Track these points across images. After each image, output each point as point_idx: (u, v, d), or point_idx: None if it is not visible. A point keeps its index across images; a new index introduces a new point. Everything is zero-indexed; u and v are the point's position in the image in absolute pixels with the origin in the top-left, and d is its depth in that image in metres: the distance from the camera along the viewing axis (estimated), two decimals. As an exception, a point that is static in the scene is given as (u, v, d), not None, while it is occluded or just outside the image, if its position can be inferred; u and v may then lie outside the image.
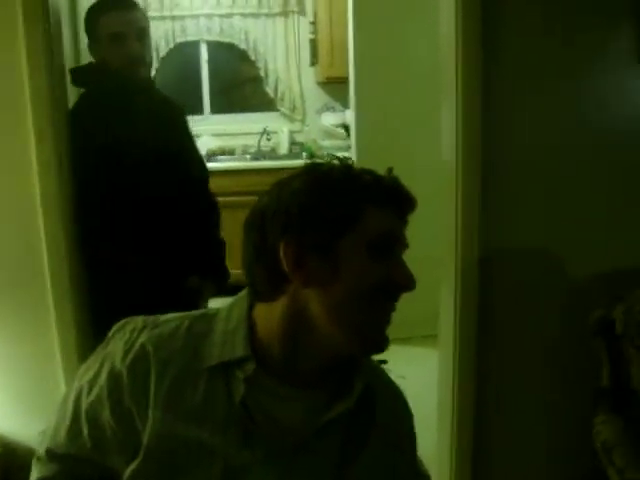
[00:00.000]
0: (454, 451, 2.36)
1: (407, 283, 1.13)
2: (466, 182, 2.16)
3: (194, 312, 1.28)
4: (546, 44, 2.14)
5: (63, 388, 2.13)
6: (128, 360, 1.18)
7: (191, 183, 2.46)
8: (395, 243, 1.16)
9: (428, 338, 3.83)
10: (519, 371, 2.32)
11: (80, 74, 2.37)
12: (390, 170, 1.20)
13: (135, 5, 2.31)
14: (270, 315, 1.17)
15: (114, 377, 1.19)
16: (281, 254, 1.12)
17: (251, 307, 1.21)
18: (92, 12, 2.28)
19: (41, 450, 1.32)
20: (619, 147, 2.21)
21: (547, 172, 2.20)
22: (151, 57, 2.42)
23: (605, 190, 2.24)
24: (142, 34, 2.29)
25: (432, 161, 2.43)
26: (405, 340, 3.89)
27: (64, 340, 2.13)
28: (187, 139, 2.58)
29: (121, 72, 2.25)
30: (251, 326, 1.19)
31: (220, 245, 2.61)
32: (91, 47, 2.32)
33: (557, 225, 2.22)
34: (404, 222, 1.19)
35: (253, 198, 1.23)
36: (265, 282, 1.16)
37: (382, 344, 1.14)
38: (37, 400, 2.22)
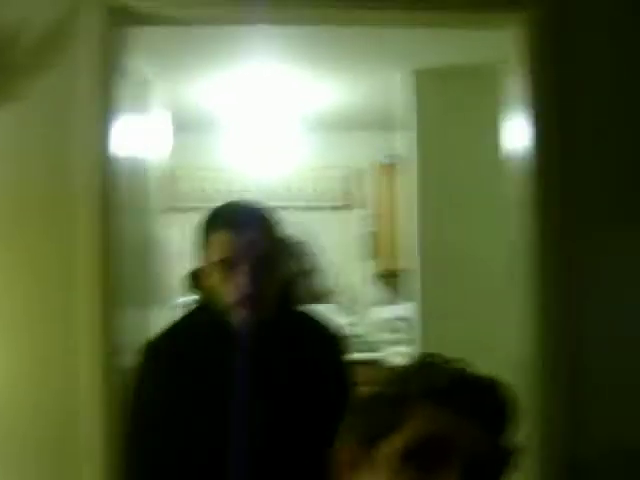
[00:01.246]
0: None
1: None
2: (547, 389, 2.03)
3: None
4: (625, 238, 2.06)
5: None
6: None
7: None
8: (444, 449, 0.97)
9: None
10: None
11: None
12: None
13: (258, 225, 1.77)
14: None
15: None
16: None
17: None
18: (204, 224, 1.82)
19: None
20: None
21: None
22: (287, 293, 1.88)
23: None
24: (261, 263, 1.72)
25: (506, 360, 2.25)
26: None
27: None
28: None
29: (225, 312, 1.74)
30: None
31: None
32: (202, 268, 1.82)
33: None
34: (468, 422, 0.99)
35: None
36: None
37: None
38: None
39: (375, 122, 5.42)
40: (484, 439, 0.99)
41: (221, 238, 1.73)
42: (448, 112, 4.02)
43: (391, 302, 5.80)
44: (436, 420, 0.98)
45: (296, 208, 5.78)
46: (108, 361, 1.98)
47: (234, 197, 1.93)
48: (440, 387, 1.01)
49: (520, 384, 2.05)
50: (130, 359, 2.10)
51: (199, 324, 1.80)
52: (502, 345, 2.85)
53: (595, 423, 2.02)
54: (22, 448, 2.00)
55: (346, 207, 5.88)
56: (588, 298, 2.03)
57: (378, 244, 5.64)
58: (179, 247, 5.39)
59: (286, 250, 1.95)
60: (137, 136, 2.40)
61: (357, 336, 5.70)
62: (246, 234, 1.72)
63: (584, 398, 2.01)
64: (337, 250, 5.83)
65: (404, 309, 5.36)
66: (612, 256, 2.04)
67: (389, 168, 5.51)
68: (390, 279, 5.70)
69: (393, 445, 0.98)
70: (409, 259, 4.29)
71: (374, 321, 5.80)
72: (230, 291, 1.70)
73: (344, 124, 5.55)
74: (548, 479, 1.99)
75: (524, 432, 1.93)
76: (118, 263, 2.00)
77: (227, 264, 1.70)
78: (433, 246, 4.05)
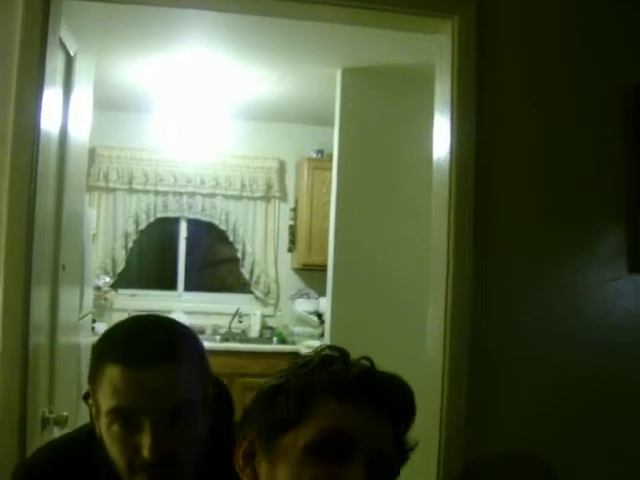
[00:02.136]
0: None
1: None
2: (452, 387, 2.04)
3: None
4: (536, 242, 2.12)
5: None
6: None
7: None
8: (347, 444, 0.99)
9: None
10: None
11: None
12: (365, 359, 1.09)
13: (171, 358, 1.19)
14: None
15: None
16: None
17: None
18: (98, 348, 1.25)
19: None
20: (594, 354, 2.12)
21: (534, 374, 2.10)
22: (210, 453, 1.25)
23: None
24: (173, 417, 1.18)
25: (412, 358, 2.30)
26: None
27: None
28: None
29: (122, 476, 1.20)
30: None
31: None
32: (90, 403, 1.26)
33: (547, 430, 2.09)
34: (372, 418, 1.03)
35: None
36: None
37: None
38: None
39: (309, 116, 5.46)
40: (388, 434, 1.02)
41: (114, 378, 1.16)
42: (371, 111, 4.04)
43: (309, 296, 5.85)
44: (340, 416, 1.00)
45: (221, 196, 5.79)
46: (26, 340, 1.92)
47: (140, 315, 1.33)
48: (344, 383, 1.02)
49: (426, 382, 2.12)
50: (42, 338, 2.08)
51: (93, 477, 1.26)
52: (410, 342, 2.94)
53: (497, 420, 2.06)
54: None
55: (271, 198, 5.89)
56: (496, 297, 2.07)
57: (299, 238, 5.68)
58: (102, 227, 5.40)
59: (207, 385, 1.28)
60: (63, 111, 2.37)
61: (272, 328, 5.74)
62: (152, 373, 1.16)
63: (488, 395, 2.05)
64: (259, 241, 5.85)
65: (321, 303, 5.43)
66: (522, 256, 2.09)
67: (317, 162, 5.56)
68: (310, 273, 5.74)
69: (296, 439, 0.99)
70: (326, 254, 4.30)
71: (292, 314, 5.84)
72: (126, 454, 1.17)
73: (276, 116, 5.56)
74: (448, 476, 2.02)
75: (426, 428, 2.02)
76: (40, 239, 1.96)
77: (122, 416, 1.16)
78: (346, 243, 4.07)
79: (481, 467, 2.06)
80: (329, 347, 1.10)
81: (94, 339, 1.28)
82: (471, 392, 2.02)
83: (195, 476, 1.19)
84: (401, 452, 1.06)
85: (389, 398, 1.04)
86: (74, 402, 2.54)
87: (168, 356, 1.18)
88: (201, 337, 1.31)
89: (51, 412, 2.10)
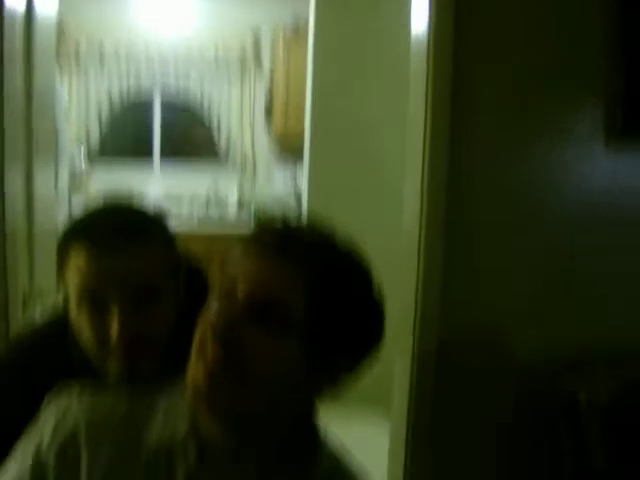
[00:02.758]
0: None
1: None
2: (428, 256, 2.08)
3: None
4: (513, 118, 2.11)
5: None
6: (57, 443, 1.04)
7: None
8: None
9: (374, 403, 3.74)
10: (473, 453, 2.22)
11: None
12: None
13: (137, 240, 1.21)
14: None
15: (39, 464, 1.05)
16: None
17: None
18: (65, 233, 1.26)
19: None
20: (569, 229, 2.17)
21: (511, 249, 2.14)
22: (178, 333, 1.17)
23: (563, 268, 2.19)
24: (139, 298, 1.19)
25: (390, 231, 2.35)
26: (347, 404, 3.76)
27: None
28: None
29: (94, 361, 1.24)
30: None
31: None
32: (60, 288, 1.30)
33: (521, 303, 2.16)
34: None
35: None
36: None
37: None
38: None
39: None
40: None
41: (79, 261, 1.18)
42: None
43: (286, 168, 5.85)
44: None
45: (196, 74, 5.66)
46: (2, 220, 1.95)
47: (109, 198, 1.31)
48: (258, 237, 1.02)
49: (402, 255, 2.17)
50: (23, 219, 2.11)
51: (70, 360, 1.28)
52: (387, 215, 2.98)
53: (472, 293, 2.13)
54: None
55: (247, 71, 5.76)
56: (474, 170, 2.09)
57: (275, 110, 5.59)
58: (74, 107, 5.30)
59: (177, 270, 1.29)
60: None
61: (249, 202, 5.76)
62: (118, 255, 1.17)
63: (464, 268, 2.11)
64: (235, 114, 5.77)
65: (299, 173, 5.44)
66: (501, 132, 2.10)
67: (294, 33, 5.41)
68: (286, 145, 5.71)
69: None
70: (303, 126, 4.27)
71: (269, 187, 5.86)
72: (95, 338, 1.20)
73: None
74: (420, 356, 2.10)
75: (402, 304, 2.10)
76: (11, 117, 1.95)
77: (90, 300, 1.18)
78: (324, 114, 4.02)
79: (456, 342, 2.14)
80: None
81: (70, 219, 1.29)
82: (447, 264, 2.07)
83: (166, 359, 1.20)
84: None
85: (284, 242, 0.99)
86: (55, 278, 2.61)
87: (134, 239, 1.19)
88: (178, 218, 1.33)
89: (32, 288, 2.16)
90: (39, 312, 2.11)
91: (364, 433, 3.06)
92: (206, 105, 5.76)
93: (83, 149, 5.45)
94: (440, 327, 2.09)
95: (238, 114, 5.77)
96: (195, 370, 0.96)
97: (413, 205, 2.10)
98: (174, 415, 1.04)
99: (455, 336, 2.13)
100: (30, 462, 1.05)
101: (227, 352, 0.94)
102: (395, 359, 2.22)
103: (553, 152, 2.13)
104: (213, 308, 0.98)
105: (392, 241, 2.25)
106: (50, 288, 2.23)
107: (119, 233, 1.18)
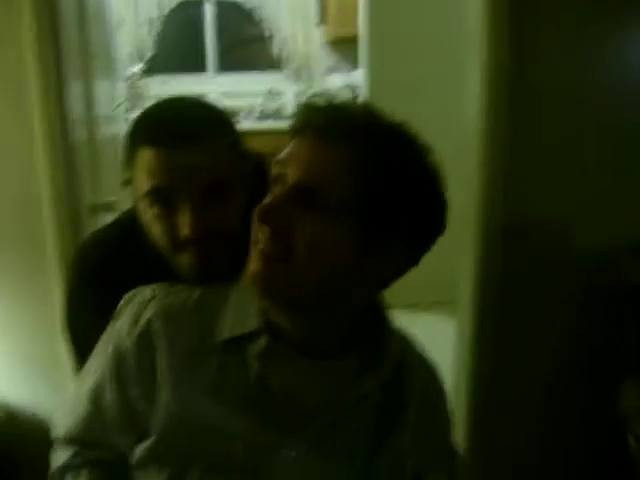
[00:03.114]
0: (469, 425, 2.29)
1: None
2: (491, 148, 2.05)
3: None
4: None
5: (65, 355, 2.06)
6: (134, 336, 1.10)
7: None
8: None
9: (439, 304, 3.78)
10: (538, 340, 2.24)
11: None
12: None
13: (204, 137, 1.20)
14: None
15: (119, 355, 1.12)
16: None
17: None
18: (131, 134, 1.25)
19: (58, 434, 1.25)
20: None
21: (576, 132, 2.09)
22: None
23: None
24: (209, 194, 1.20)
25: (452, 122, 2.32)
26: (414, 306, 3.83)
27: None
28: None
29: (167, 259, 1.27)
30: None
31: None
32: (130, 188, 1.31)
33: (584, 192, 2.13)
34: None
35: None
36: None
37: None
38: (39, 366, 2.19)
39: None
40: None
41: (148, 159, 1.18)
42: None
43: (342, 70, 5.76)
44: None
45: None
46: (63, 135, 2.01)
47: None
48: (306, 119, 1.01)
49: (464, 153, 2.16)
50: (82, 132, 2.16)
51: (143, 259, 1.30)
52: (447, 115, 2.94)
53: (534, 188, 2.10)
54: None
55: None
56: (540, 48, 2.03)
57: (329, 9, 5.47)
58: (125, 14, 5.31)
59: (243, 165, 1.28)
60: None
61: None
62: (186, 151, 1.17)
63: (526, 161, 2.08)
64: (288, 16, 5.66)
65: (355, 77, 5.36)
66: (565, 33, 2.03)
67: None
68: (343, 46, 5.59)
69: None
70: (360, 26, 4.19)
71: (324, 89, 5.80)
72: (167, 234, 1.22)
73: None
74: (484, 243, 2.12)
75: (463, 196, 2.10)
76: (67, 29, 1.98)
77: (160, 197, 1.20)
78: (383, 12, 3.94)
79: (521, 230, 2.13)
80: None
81: (134, 119, 1.27)
82: (511, 151, 2.05)
83: (235, 251, 1.19)
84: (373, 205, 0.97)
85: (335, 128, 0.98)
86: (118, 189, 2.68)
87: (199, 134, 1.18)
88: (235, 118, 1.33)
89: (99, 199, 2.24)
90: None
91: (430, 333, 3.09)
92: (259, 12, 5.67)
93: (138, 62, 5.48)
94: (505, 215, 2.09)
95: (291, 19, 5.67)
96: (250, 257, 1.00)
97: (474, 90, 2.07)
98: (244, 308, 1.08)
99: (520, 223, 2.12)
100: (111, 355, 1.12)
101: (276, 235, 0.96)
102: (459, 252, 2.24)
103: (624, 31, 2.04)
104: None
105: (454, 135, 2.23)
106: (114, 200, 2.30)
107: (186, 129, 1.17)
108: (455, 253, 2.25)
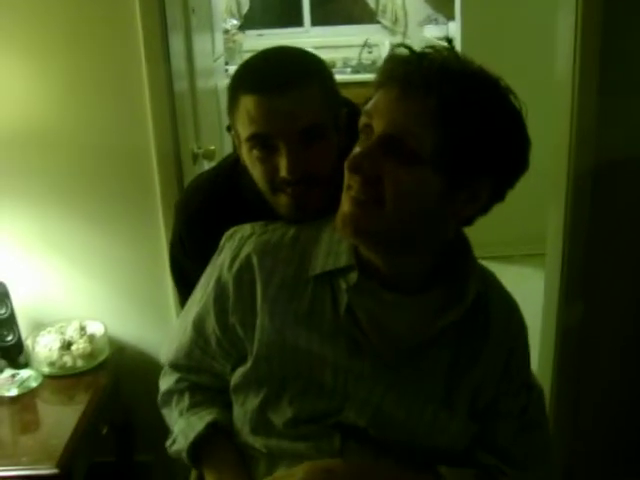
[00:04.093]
0: (556, 371, 2.33)
1: None
2: (582, 101, 2.03)
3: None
4: None
5: (171, 291, 2.21)
6: (234, 269, 1.20)
7: None
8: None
9: (531, 257, 3.78)
10: (625, 291, 2.24)
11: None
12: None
13: (300, 85, 1.25)
14: None
15: (220, 286, 1.22)
16: None
17: None
18: (233, 83, 1.33)
19: (165, 362, 1.38)
20: None
21: None
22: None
23: None
24: (306, 138, 1.26)
25: (543, 75, 2.31)
26: (507, 258, 3.84)
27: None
28: None
29: (266, 198, 1.35)
30: None
31: None
32: (232, 134, 1.40)
33: None
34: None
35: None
36: None
37: None
38: (146, 303, 2.32)
39: None
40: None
41: (249, 106, 1.25)
42: None
43: (437, 21, 5.70)
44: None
45: None
46: (168, 86, 2.11)
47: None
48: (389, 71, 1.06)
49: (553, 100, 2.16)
50: (183, 84, 2.26)
51: (242, 198, 1.43)
52: (540, 64, 2.91)
53: (624, 128, 2.06)
54: (95, 181, 2.19)
55: None
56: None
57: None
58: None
59: (338, 111, 1.34)
60: None
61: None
62: (283, 98, 1.23)
63: (616, 102, 2.03)
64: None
65: (450, 28, 5.30)
66: None
67: None
68: (437, 1, 5.55)
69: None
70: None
71: (420, 41, 5.76)
72: (267, 175, 1.30)
73: None
74: (578, 185, 2.11)
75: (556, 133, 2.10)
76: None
77: (260, 141, 1.27)
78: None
79: (611, 169, 2.10)
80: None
81: (228, 81, 1.36)
82: (601, 93, 2.02)
83: (332, 193, 1.23)
84: (461, 153, 1.02)
85: (426, 81, 1.01)
86: (218, 138, 2.79)
87: (297, 82, 1.24)
88: (332, 70, 1.38)
89: (199, 148, 2.35)
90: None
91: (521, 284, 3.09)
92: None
93: (235, 17, 5.58)
94: (595, 154, 2.07)
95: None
96: (342, 202, 1.08)
97: (566, 47, 2.06)
98: (336, 245, 1.17)
99: (610, 162, 2.09)
100: (213, 286, 1.23)
101: (366, 183, 1.03)
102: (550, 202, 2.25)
103: None
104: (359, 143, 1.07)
105: (545, 85, 2.22)
106: (213, 148, 2.41)
107: (283, 77, 1.24)
108: (547, 205, 2.27)
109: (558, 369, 2.32)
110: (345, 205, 1.07)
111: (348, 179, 1.07)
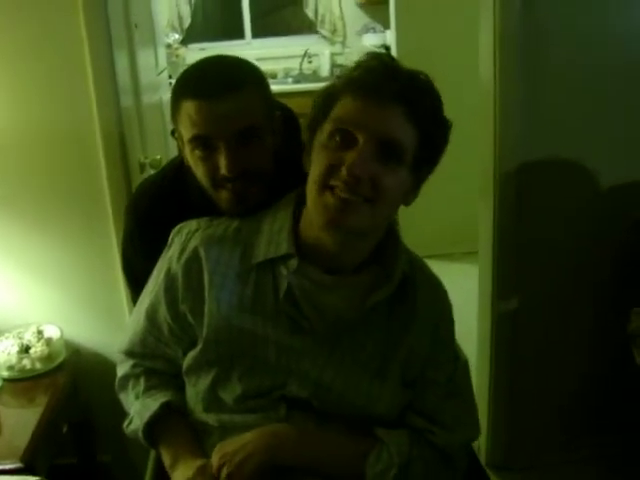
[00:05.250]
0: (493, 361, 2.49)
1: None
2: (504, 102, 2.19)
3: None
4: None
5: (124, 294, 2.29)
6: (182, 261, 1.32)
7: None
8: (349, 133, 1.17)
9: (469, 255, 3.93)
10: (557, 281, 2.39)
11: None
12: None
13: (236, 89, 1.36)
14: None
15: (170, 277, 1.33)
16: None
17: (298, 207, 1.31)
18: (175, 90, 1.43)
19: (121, 350, 1.47)
20: None
21: (586, 88, 2.19)
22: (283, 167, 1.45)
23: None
24: (244, 139, 1.37)
25: (473, 80, 2.44)
26: (446, 256, 4.00)
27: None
28: None
29: (209, 194, 1.46)
30: (296, 225, 1.30)
31: None
32: (176, 137, 1.50)
33: (595, 137, 2.23)
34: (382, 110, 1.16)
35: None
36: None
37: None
38: (100, 306, 2.38)
39: None
40: (400, 125, 1.16)
41: (190, 111, 1.35)
42: None
43: (375, 30, 5.83)
44: (349, 109, 1.17)
45: None
46: (116, 100, 2.21)
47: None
48: (362, 81, 1.17)
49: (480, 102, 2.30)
50: (129, 99, 2.35)
51: (188, 197, 1.54)
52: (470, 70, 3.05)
53: (548, 131, 2.20)
54: (47, 192, 2.24)
55: None
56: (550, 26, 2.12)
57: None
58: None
59: (273, 113, 1.46)
60: None
61: (341, 66, 5.82)
62: (222, 102, 1.33)
63: (539, 109, 2.18)
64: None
65: (388, 36, 5.41)
66: None
67: None
68: (374, 7, 5.69)
69: (321, 132, 1.20)
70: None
71: (359, 49, 5.82)
72: (208, 174, 1.40)
73: None
74: (504, 181, 2.25)
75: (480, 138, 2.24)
76: (114, 7, 2.16)
77: (201, 142, 1.37)
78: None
79: (536, 170, 2.24)
80: (377, 55, 1.25)
81: (178, 77, 1.46)
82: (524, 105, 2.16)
83: (269, 189, 1.41)
84: (428, 151, 1.21)
85: (405, 91, 1.15)
86: (163, 148, 2.88)
87: (233, 87, 1.34)
88: (273, 81, 1.52)
89: (146, 158, 2.45)
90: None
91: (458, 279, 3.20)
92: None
93: (177, 32, 5.67)
94: (519, 155, 2.22)
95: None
96: (326, 198, 1.18)
97: (487, 52, 2.20)
98: (277, 235, 1.30)
99: (533, 162, 2.23)
100: (163, 278, 1.35)
101: (361, 186, 1.16)
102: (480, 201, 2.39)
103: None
104: (332, 148, 1.18)
105: (474, 87, 2.37)
106: (159, 157, 2.50)
107: (221, 83, 1.35)
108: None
109: (495, 354, 2.48)
110: (332, 205, 1.17)
111: (329, 180, 1.17)
